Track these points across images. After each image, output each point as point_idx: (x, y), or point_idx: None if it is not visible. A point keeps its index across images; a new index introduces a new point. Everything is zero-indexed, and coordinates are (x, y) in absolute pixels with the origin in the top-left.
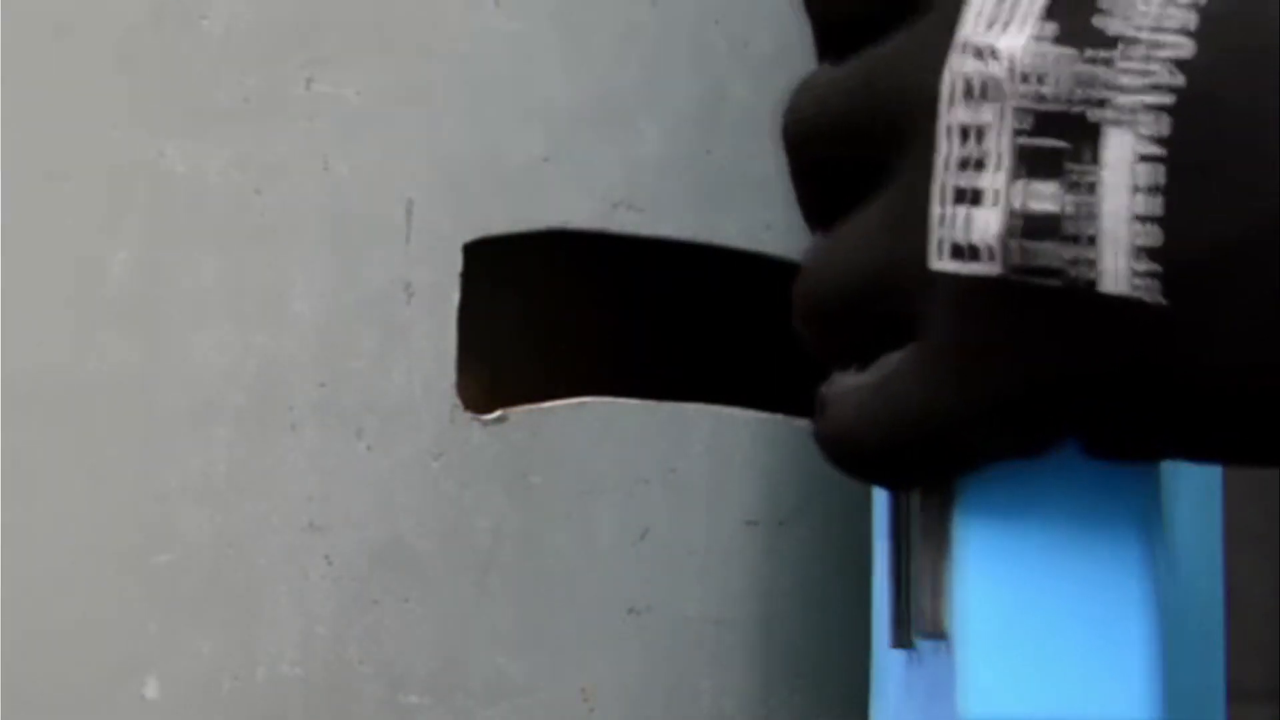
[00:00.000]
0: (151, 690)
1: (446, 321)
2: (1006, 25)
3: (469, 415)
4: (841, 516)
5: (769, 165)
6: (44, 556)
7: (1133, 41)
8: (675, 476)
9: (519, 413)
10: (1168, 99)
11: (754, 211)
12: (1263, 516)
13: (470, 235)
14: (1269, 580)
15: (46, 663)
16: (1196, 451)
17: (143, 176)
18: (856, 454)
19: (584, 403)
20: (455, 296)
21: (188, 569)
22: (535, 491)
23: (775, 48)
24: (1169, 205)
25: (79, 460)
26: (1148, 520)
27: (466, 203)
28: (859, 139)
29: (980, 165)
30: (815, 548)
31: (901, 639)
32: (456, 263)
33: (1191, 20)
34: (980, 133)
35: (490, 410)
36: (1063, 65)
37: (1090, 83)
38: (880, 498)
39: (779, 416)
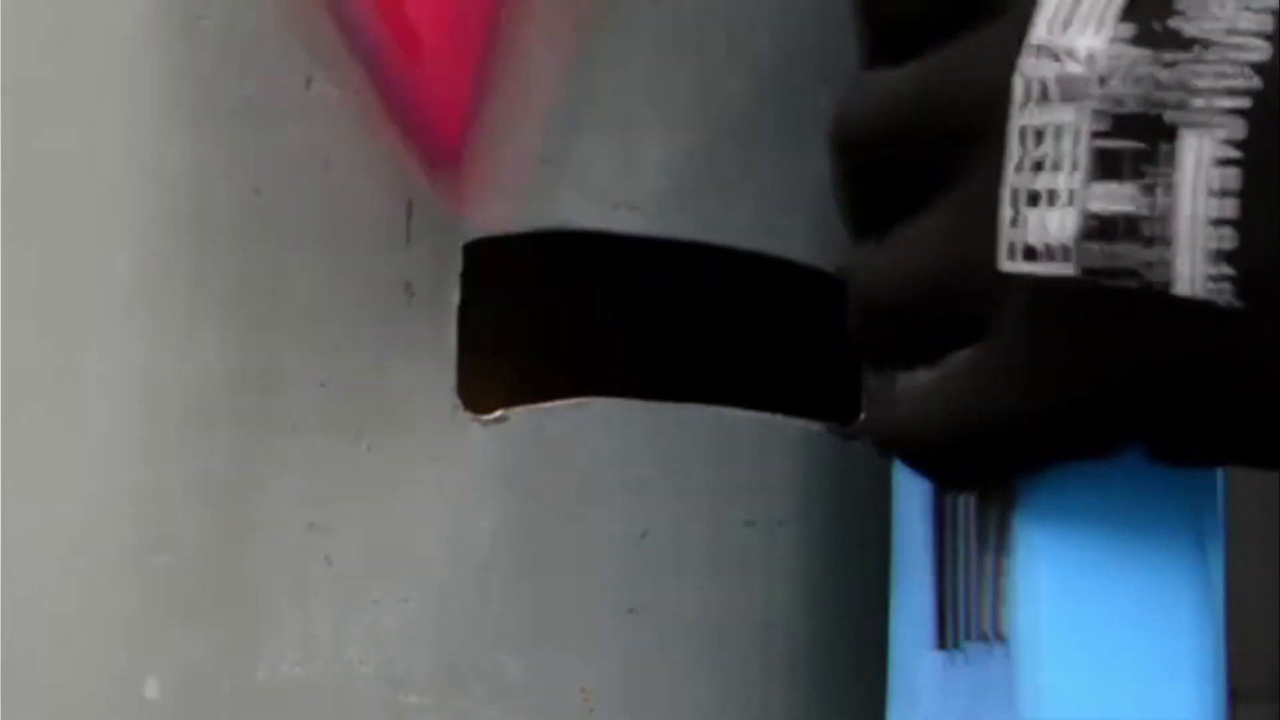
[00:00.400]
0: (152, 690)
1: (446, 321)
2: (1084, 27)
3: (469, 415)
4: (841, 516)
5: (769, 165)
6: (44, 556)
7: (1209, 44)
8: (675, 476)
9: (519, 413)
10: (1244, 102)
11: (754, 212)
12: (1263, 516)
13: (470, 235)
14: (1269, 580)
15: (46, 663)
16: (1262, 458)
17: (143, 176)
18: (926, 452)
19: (584, 403)
20: (455, 296)
21: (188, 569)
22: (535, 491)
23: (775, 47)
24: (1243, 209)
25: (79, 460)
26: (1208, 526)
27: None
28: (921, 141)
29: (1056, 166)
30: (815, 548)
31: (947, 641)
32: (456, 263)
33: (1268, 24)
34: (1056, 134)
35: (490, 410)
36: (1140, 67)
37: (1168, 85)
38: (906, 501)
39: (779, 416)
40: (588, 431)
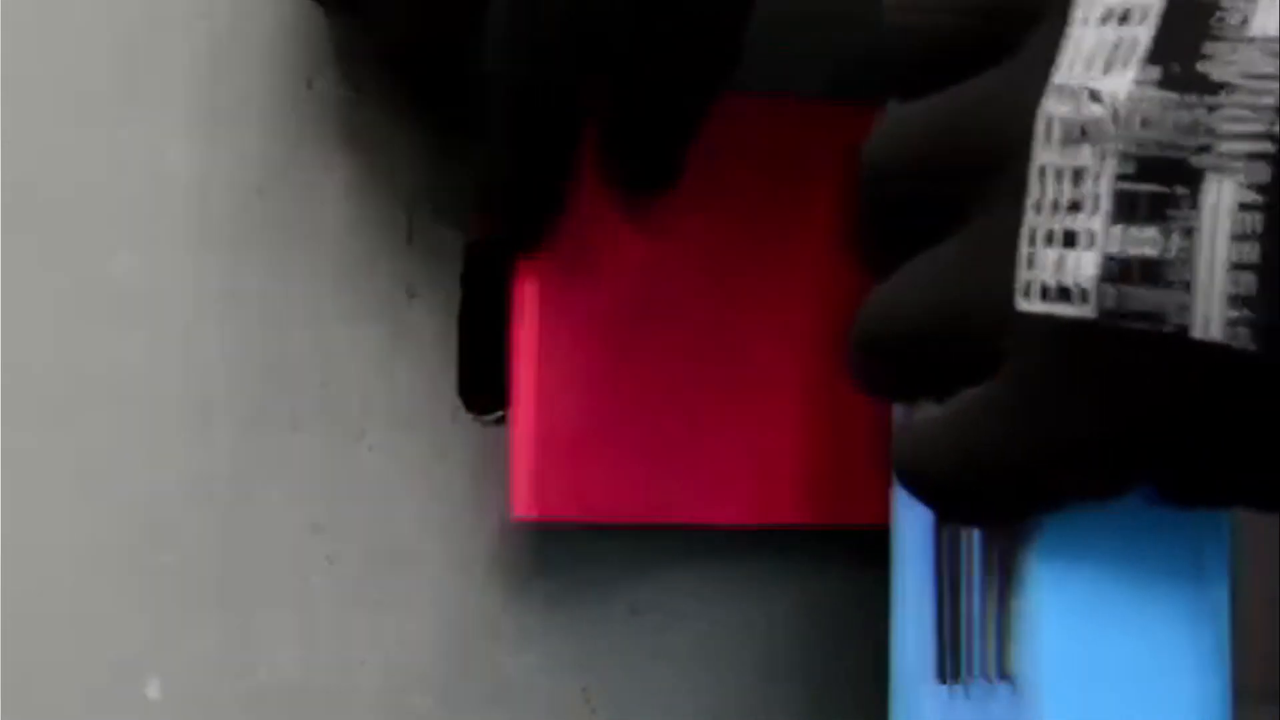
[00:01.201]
0: (153, 690)
1: (447, 322)
2: (1108, 68)
3: (469, 415)
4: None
5: None
6: (45, 557)
7: (1235, 88)
8: None
9: None
10: (1269, 147)
11: None
12: (1263, 516)
13: (470, 236)
14: (1270, 580)
15: (47, 663)
16: (1272, 504)
17: (143, 176)
18: (932, 485)
19: None
20: (457, 297)
21: (189, 569)
22: None
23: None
24: (1264, 254)
25: (79, 460)
26: (1213, 568)
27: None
28: (940, 177)
29: (1076, 207)
30: (815, 550)
31: (951, 675)
32: (458, 263)
33: None
34: (1077, 175)
35: (490, 410)
36: (1166, 110)
37: (1193, 129)
38: (906, 530)
39: None
40: None
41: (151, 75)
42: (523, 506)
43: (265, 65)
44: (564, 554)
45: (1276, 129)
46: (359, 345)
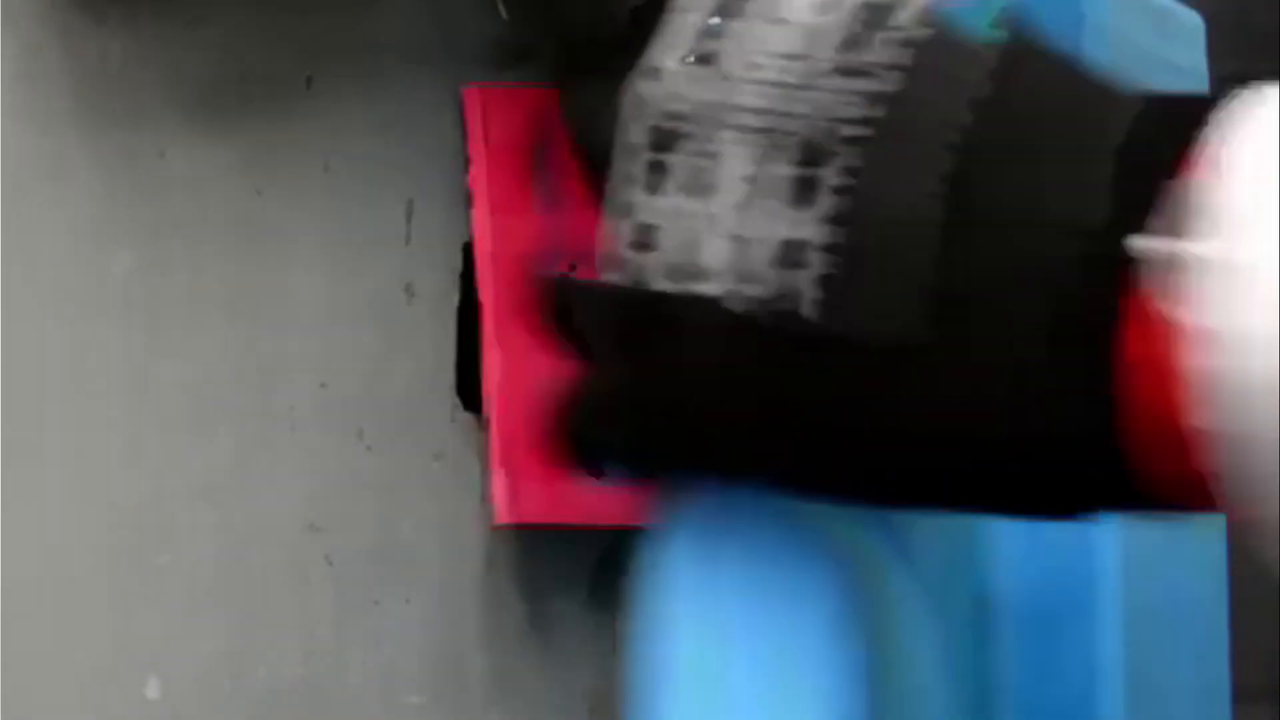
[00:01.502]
0: (153, 690)
1: (446, 321)
2: (669, 48)
3: (469, 415)
4: None
5: None
6: (44, 556)
7: (759, 66)
8: None
9: None
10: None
11: None
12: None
13: (470, 235)
14: (1269, 580)
15: (46, 663)
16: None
17: (143, 176)
18: (572, 447)
19: None
20: (455, 297)
21: (188, 569)
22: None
23: None
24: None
25: (79, 460)
26: (843, 572)
27: (466, 203)
28: (590, 159)
29: (630, 181)
30: None
31: None
32: (456, 263)
33: (909, 54)
34: (631, 150)
35: (490, 410)
36: (699, 87)
37: (714, 104)
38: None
39: None
40: None
41: (152, 75)
42: (501, 515)
43: (265, 65)
44: (561, 553)
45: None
46: (357, 345)
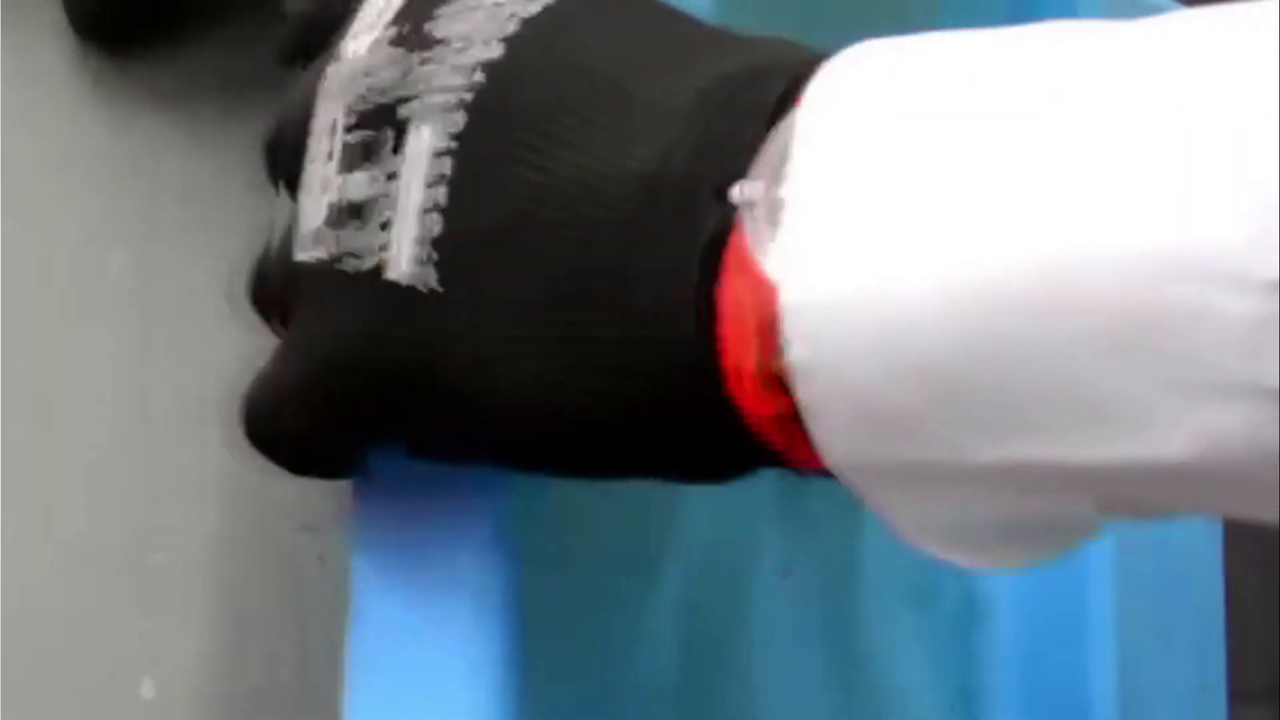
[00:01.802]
0: (148, 690)
1: None
2: (362, 33)
3: None
4: None
5: None
6: (41, 556)
7: (449, 44)
8: None
9: None
10: (467, 96)
11: None
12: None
13: None
14: (1269, 580)
15: (44, 662)
16: (486, 452)
17: (142, 176)
18: (248, 432)
19: None
20: None
21: (184, 569)
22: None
23: None
24: (451, 196)
25: (76, 460)
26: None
27: None
28: (274, 148)
29: (327, 158)
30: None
31: None
32: None
33: (511, 28)
34: (328, 130)
35: None
36: (390, 65)
37: (406, 82)
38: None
39: None
40: None
41: (152, 74)
42: None
43: (260, 66)
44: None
45: (478, 79)
46: None
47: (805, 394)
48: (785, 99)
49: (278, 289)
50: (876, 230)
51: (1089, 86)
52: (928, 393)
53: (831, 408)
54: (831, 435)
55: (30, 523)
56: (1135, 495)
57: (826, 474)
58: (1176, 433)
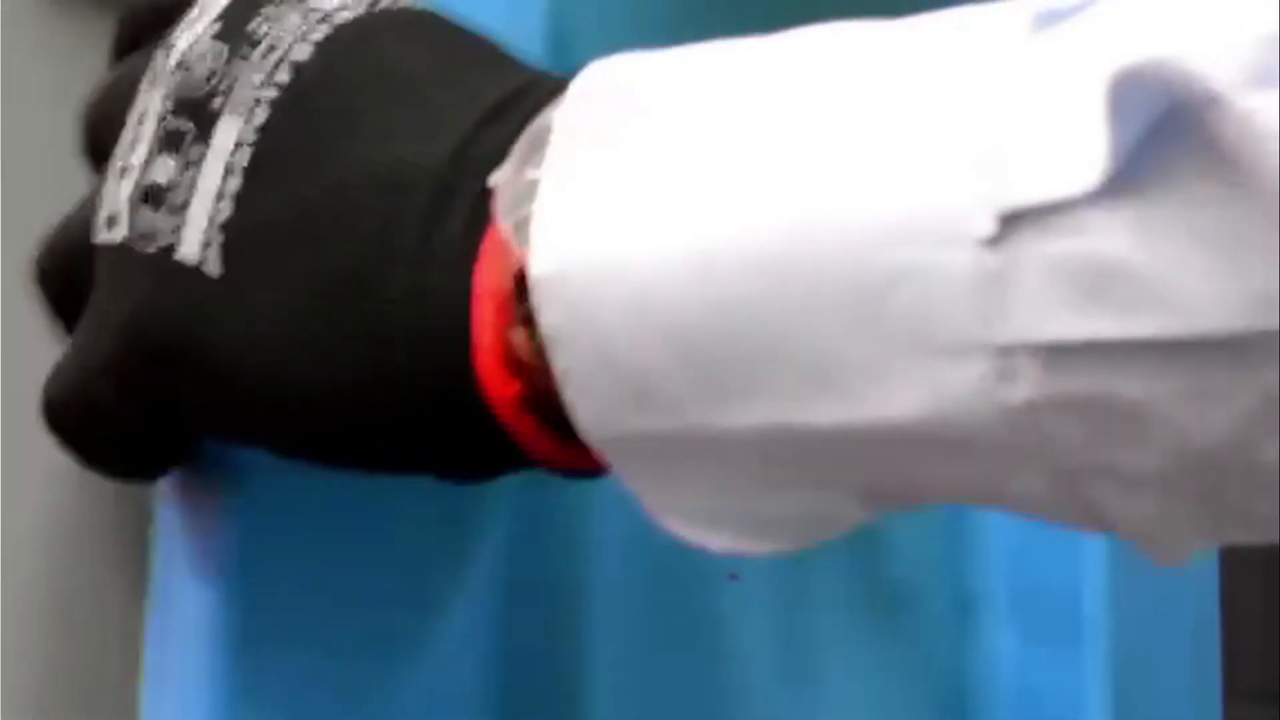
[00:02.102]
0: None
1: None
2: (190, 26)
3: None
4: None
5: None
6: (41, 556)
7: (262, 42)
8: None
9: None
10: (272, 93)
11: None
12: None
13: None
14: (1268, 581)
15: (43, 662)
16: (244, 434)
17: None
18: (50, 425)
19: None
20: None
21: None
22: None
23: None
24: (245, 184)
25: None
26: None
27: None
28: (101, 115)
29: (136, 143)
30: None
31: None
32: None
33: (322, 32)
34: (142, 117)
35: None
36: (209, 59)
37: (224, 76)
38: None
39: None
40: None
41: None
42: None
43: None
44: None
45: (282, 78)
46: None
47: (561, 361)
48: (541, 107)
49: (65, 271)
50: (626, 198)
51: (829, 69)
52: (678, 356)
53: (586, 372)
54: (587, 402)
55: (31, 521)
56: (881, 473)
57: (572, 472)
58: (910, 392)
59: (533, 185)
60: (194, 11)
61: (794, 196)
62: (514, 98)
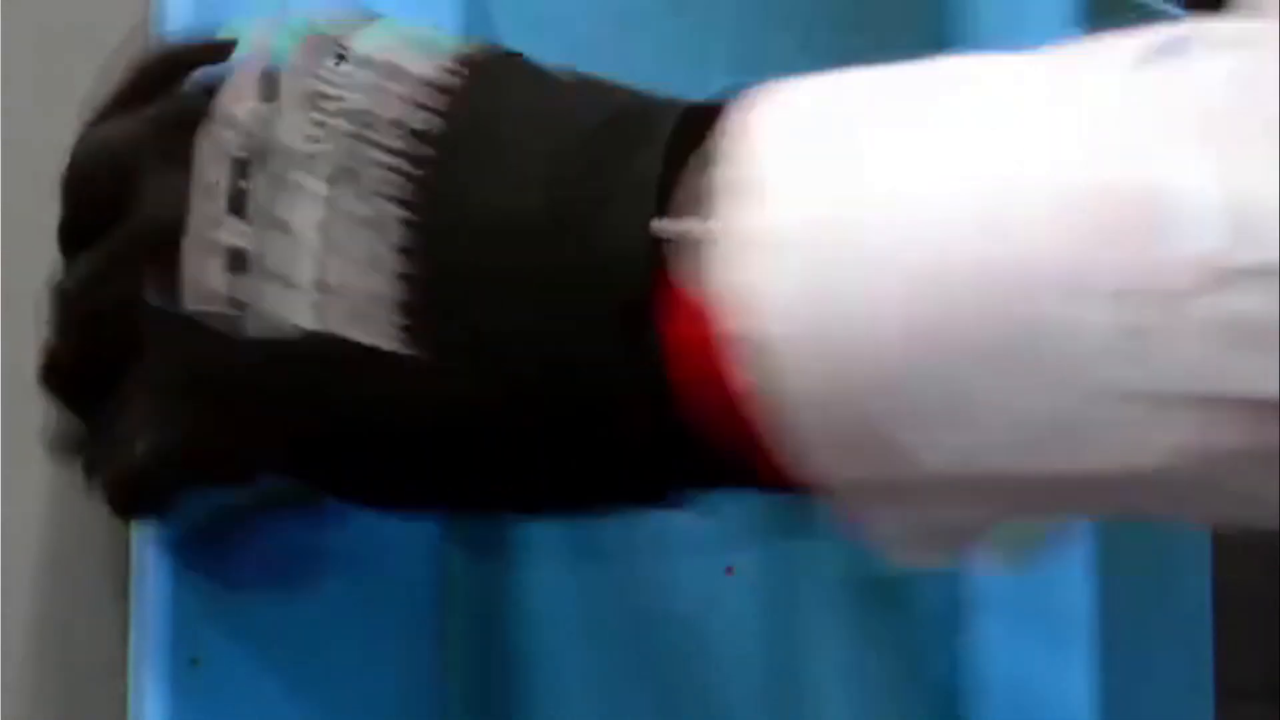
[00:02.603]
0: None
1: None
2: (241, 94)
3: None
4: None
5: None
6: (40, 555)
7: (367, 115)
8: None
9: None
10: (398, 161)
11: None
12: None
13: None
14: (1267, 579)
15: (42, 661)
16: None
17: None
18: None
19: None
20: None
21: None
22: None
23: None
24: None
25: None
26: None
27: None
28: (82, 200)
29: (213, 216)
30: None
31: None
32: None
33: (426, 97)
34: (211, 189)
35: None
36: (259, 122)
37: (319, 141)
38: None
39: None
40: None
41: None
42: None
43: None
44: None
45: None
46: None
47: (779, 420)
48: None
49: (90, 346)
50: (840, 269)
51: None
52: (894, 413)
53: (807, 427)
54: (812, 454)
55: (31, 521)
56: (1074, 505)
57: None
58: (1149, 445)
59: (708, 233)
60: (236, 80)
61: (1011, 265)
62: (629, 122)
